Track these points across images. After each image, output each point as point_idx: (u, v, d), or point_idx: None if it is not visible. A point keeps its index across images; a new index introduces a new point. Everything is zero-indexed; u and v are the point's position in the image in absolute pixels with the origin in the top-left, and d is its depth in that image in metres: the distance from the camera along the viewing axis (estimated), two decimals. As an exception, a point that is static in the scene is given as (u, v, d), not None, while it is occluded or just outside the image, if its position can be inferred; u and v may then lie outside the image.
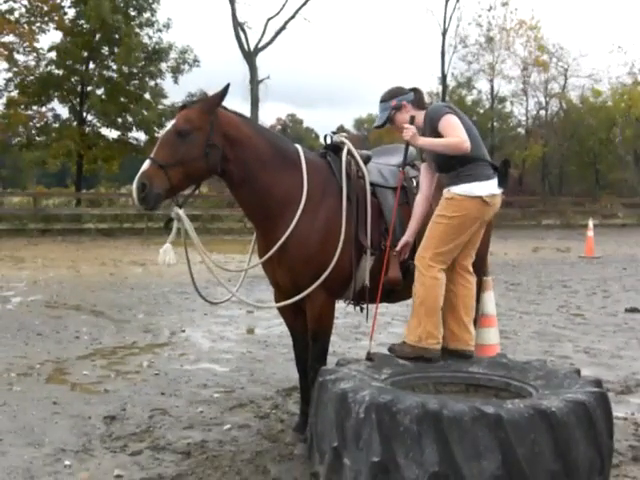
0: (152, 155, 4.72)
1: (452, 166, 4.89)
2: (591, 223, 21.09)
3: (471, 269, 5.11)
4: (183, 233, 4.97)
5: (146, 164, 4.69)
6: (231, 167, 4.92)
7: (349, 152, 5.27)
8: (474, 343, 5.15)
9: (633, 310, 11.01)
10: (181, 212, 4.92)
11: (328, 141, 5.44)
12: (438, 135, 4.86)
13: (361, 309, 5.51)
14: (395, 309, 9.46)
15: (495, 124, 47.10)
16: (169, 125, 4.86)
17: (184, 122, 4.76)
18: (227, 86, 4.93)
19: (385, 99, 5.22)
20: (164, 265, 5.09)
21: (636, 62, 47.51)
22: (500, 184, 4.94)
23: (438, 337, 4.89)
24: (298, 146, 5.29)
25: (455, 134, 4.79)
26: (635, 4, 73.84)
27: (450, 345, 5.00)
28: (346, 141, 5.33)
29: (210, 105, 4.86)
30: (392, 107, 5.15)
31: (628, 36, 73.04)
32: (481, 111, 46.79)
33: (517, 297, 12.62)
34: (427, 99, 5.39)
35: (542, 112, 48.09)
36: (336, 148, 5.36)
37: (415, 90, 5.23)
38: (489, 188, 4.87)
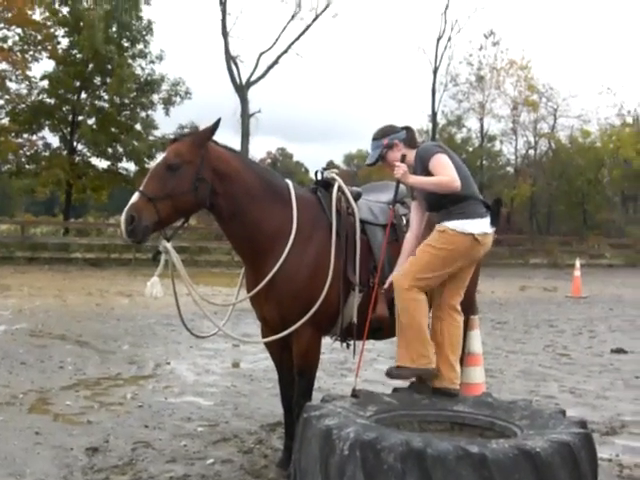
0: (141, 188, 4.74)
1: (443, 205, 4.92)
2: (578, 263, 21.17)
3: (459, 308, 5.11)
4: (170, 266, 4.97)
5: (135, 197, 4.71)
6: (220, 201, 4.94)
7: (340, 188, 5.30)
8: (459, 382, 5.14)
9: (619, 351, 11.01)
10: (169, 245, 4.92)
11: (319, 177, 5.47)
12: (429, 174, 4.90)
13: (347, 345, 5.51)
14: (381, 346, 9.44)
15: (484, 162, 47.33)
16: (159, 158, 4.89)
17: (174, 156, 4.79)
18: (218, 121, 4.97)
19: (377, 137, 5.26)
20: (151, 298, 5.09)
21: (625, 103, 48.39)
22: (492, 223, 4.97)
23: (429, 356, 4.88)
24: (288, 181, 5.32)
25: (446, 173, 4.82)
26: (625, 46, 74.79)
27: (435, 383, 4.99)
28: (337, 177, 5.36)
29: (201, 139, 4.89)
30: (384, 145, 5.19)
31: (617, 78, 73.97)
32: (470, 149, 47.07)
33: (503, 336, 12.60)
34: (417, 137, 5.43)
35: (531, 151, 48.49)
36: (327, 184, 5.39)
37: (407, 129, 5.27)
38: (481, 226, 4.90)
